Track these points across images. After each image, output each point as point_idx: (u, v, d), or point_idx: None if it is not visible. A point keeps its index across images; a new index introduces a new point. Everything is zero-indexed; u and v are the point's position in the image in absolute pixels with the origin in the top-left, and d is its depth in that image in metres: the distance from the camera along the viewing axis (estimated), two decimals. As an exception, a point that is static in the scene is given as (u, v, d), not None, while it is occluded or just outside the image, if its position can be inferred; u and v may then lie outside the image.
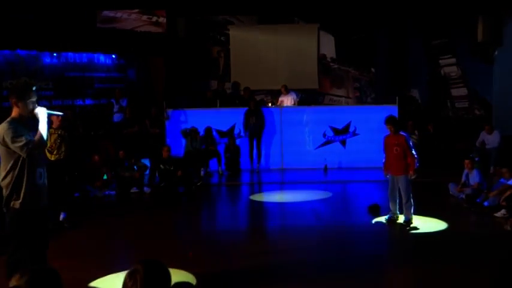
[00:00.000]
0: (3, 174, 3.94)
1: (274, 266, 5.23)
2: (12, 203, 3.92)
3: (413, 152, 6.68)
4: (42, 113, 4.01)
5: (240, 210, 8.95)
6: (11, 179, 3.91)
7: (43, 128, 3.96)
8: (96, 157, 9.91)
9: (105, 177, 9.86)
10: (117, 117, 11.86)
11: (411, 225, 6.67)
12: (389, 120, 6.81)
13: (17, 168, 3.91)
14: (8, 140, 3.81)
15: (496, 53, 12.72)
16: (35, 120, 4.05)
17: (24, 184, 3.92)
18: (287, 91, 12.81)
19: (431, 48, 14.02)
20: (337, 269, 5.15)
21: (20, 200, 3.91)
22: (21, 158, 3.89)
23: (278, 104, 12.92)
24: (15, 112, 4.00)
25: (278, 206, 8.81)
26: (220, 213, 8.76)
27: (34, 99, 4.04)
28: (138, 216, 8.11)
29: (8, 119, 3.94)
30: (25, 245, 3.97)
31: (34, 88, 4.07)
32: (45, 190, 4.15)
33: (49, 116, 4.10)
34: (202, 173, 11.20)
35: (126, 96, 12.30)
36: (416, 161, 6.67)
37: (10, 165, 3.91)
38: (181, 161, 10.94)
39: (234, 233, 7.01)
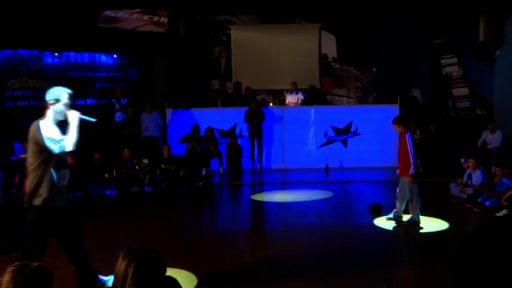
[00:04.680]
0: (30, 171, 4.07)
1: (275, 266, 5.23)
2: (33, 201, 4.03)
3: (410, 156, 6.61)
4: (73, 116, 4.14)
5: (241, 210, 8.94)
6: (36, 177, 4.03)
7: (73, 131, 4.10)
8: (98, 156, 9.93)
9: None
10: (118, 117, 11.87)
11: (416, 226, 6.64)
12: (394, 121, 6.82)
13: (44, 167, 4.04)
14: (41, 138, 3.96)
15: (498, 52, 12.71)
16: (65, 123, 4.18)
17: (47, 183, 4.04)
18: (296, 89, 12.84)
19: (433, 47, 14.01)
20: (338, 268, 5.15)
21: (42, 198, 4.03)
22: (48, 158, 4.03)
23: (286, 102, 12.98)
24: (47, 113, 4.14)
25: (279, 206, 8.81)
26: (222, 213, 8.77)
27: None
28: (140, 216, 8.12)
29: (41, 120, 4.08)
30: (40, 243, 4.09)
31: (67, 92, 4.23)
32: (65, 190, 4.29)
33: (81, 120, 4.22)
34: (203, 172, 11.21)
35: (126, 96, 12.30)
36: (411, 166, 6.55)
37: (38, 163, 4.03)
38: (182, 160, 10.96)
39: (235, 232, 7.02)
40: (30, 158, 4.09)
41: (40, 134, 3.98)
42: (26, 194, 4.14)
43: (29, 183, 4.09)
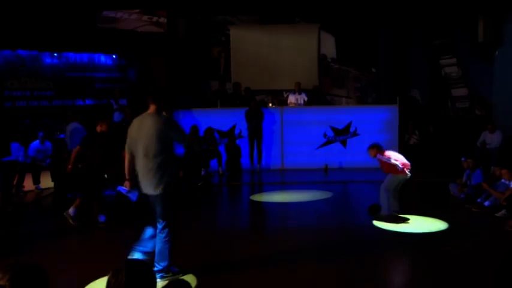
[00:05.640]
0: (156, 161, 4.42)
1: (275, 266, 5.23)
2: (168, 184, 4.49)
3: (394, 164, 6.86)
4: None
5: (241, 210, 8.94)
6: (167, 165, 4.47)
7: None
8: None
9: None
10: (116, 116, 11.87)
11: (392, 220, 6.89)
12: (369, 148, 7.11)
13: (170, 152, 4.50)
14: (171, 129, 4.44)
15: (497, 53, 12.71)
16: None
17: (171, 169, 4.52)
18: (299, 89, 12.81)
19: (432, 48, 14.02)
20: (338, 268, 5.15)
21: (174, 181, 4.58)
22: (172, 148, 4.50)
23: (288, 102, 12.97)
24: (155, 109, 4.52)
25: (278, 206, 8.81)
26: (221, 214, 8.76)
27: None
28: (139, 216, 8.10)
29: (158, 114, 4.48)
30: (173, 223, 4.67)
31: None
32: None
33: None
34: (203, 173, 11.20)
35: (125, 97, 12.31)
36: (398, 166, 6.86)
37: (166, 153, 4.46)
38: (181, 161, 10.95)
39: (234, 233, 7.01)
40: (157, 145, 4.37)
41: (169, 127, 4.33)
42: (160, 181, 4.45)
43: (155, 172, 4.42)
